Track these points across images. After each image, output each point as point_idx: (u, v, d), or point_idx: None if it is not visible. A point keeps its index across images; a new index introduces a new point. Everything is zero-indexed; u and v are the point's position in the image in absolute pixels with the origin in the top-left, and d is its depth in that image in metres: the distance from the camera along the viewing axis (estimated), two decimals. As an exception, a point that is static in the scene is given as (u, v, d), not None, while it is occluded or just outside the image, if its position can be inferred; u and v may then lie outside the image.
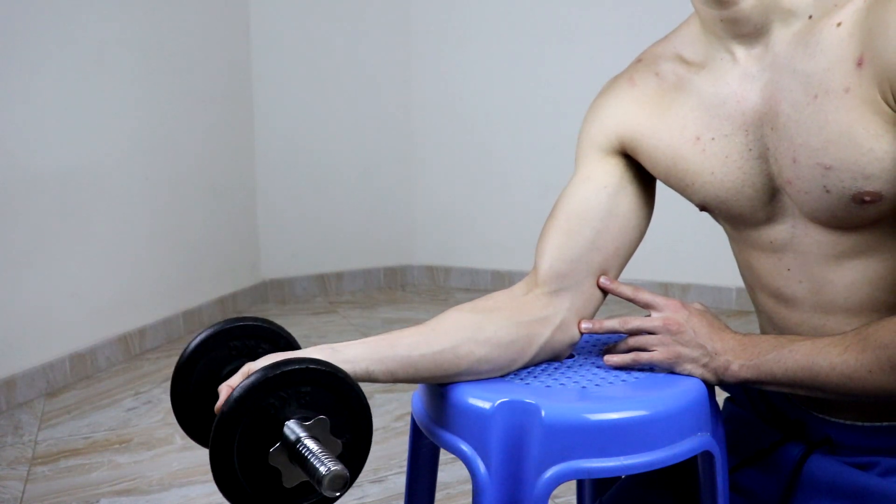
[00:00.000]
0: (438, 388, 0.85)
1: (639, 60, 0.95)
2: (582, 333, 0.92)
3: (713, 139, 0.86)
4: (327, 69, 3.68)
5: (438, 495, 1.70)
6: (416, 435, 0.94)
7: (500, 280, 3.76)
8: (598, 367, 0.91)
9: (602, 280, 0.91)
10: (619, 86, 0.94)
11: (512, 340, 0.86)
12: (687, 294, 3.42)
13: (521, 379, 0.86)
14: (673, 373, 0.87)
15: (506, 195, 3.77)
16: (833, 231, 0.83)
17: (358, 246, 3.86)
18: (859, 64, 0.76)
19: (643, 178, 0.94)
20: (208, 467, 0.68)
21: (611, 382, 0.86)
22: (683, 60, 0.90)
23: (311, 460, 0.65)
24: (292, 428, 0.67)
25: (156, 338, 2.94)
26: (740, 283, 0.99)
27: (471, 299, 0.93)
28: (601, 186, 0.92)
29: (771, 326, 0.94)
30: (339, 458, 0.67)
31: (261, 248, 3.63)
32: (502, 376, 0.87)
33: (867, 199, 0.78)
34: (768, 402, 0.97)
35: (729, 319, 3.08)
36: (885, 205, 0.78)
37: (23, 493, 1.82)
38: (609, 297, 0.93)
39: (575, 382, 0.86)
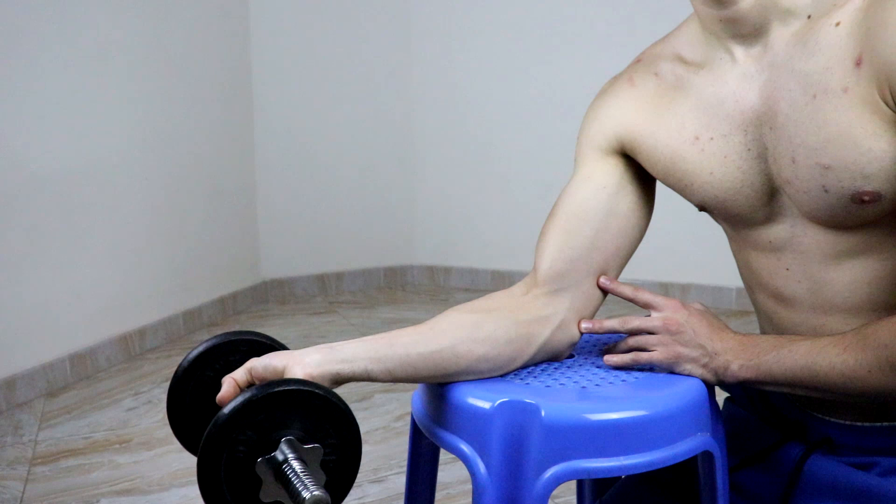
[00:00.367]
0: (438, 388, 0.85)
1: (638, 60, 0.95)
2: (582, 333, 0.92)
3: (712, 139, 0.86)
4: (327, 69, 3.68)
5: (438, 495, 1.70)
6: (416, 435, 0.94)
7: (500, 280, 3.76)
8: (598, 367, 0.91)
9: (602, 280, 0.91)
10: (618, 86, 0.94)
11: (511, 339, 0.86)
12: (687, 294, 3.43)
13: (521, 379, 0.86)
14: (673, 373, 0.87)
15: (506, 195, 3.77)
16: (832, 231, 0.83)
17: (358, 246, 3.86)
18: (858, 63, 0.76)
19: (643, 178, 0.94)
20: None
21: (611, 382, 0.86)
22: (682, 60, 0.90)
23: (295, 482, 0.66)
24: (288, 446, 0.68)
25: (156, 338, 2.94)
26: (740, 283, 0.99)
27: (471, 299, 0.93)
28: (601, 186, 0.92)
29: (770, 326, 0.94)
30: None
31: (261, 248, 3.63)
32: (502, 376, 0.87)
33: (866, 198, 0.78)
34: (768, 402, 0.97)
35: (729, 319, 3.08)
36: (884, 204, 0.78)
37: (23, 493, 1.82)
38: (609, 297, 0.93)
39: (575, 382, 0.86)
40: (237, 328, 3.22)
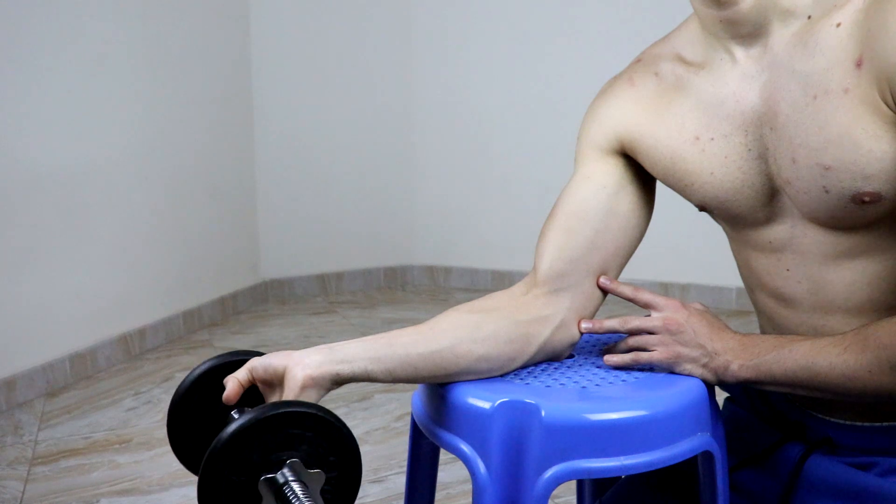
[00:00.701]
0: (438, 388, 0.85)
1: (638, 61, 0.95)
2: (582, 333, 0.92)
3: (712, 139, 0.86)
4: (327, 69, 3.68)
5: (438, 495, 1.70)
6: (416, 435, 0.94)
7: (500, 280, 3.76)
8: (598, 367, 0.91)
9: (602, 280, 0.91)
10: (618, 86, 0.94)
11: (511, 339, 0.86)
12: (687, 294, 3.43)
13: (521, 379, 0.86)
14: (673, 373, 0.87)
15: (506, 195, 3.77)
16: (832, 231, 0.83)
17: (358, 246, 3.86)
18: (858, 64, 0.76)
19: (643, 178, 0.94)
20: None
21: (611, 382, 0.86)
22: (683, 60, 0.90)
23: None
24: (291, 469, 0.68)
25: (156, 338, 2.94)
26: (740, 283, 0.99)
27: (471, 299, 0.93)
28: (601, 186, 0.92)
29: (771, 326, 0.94)
30: None
31: (261, 248, 3.63)
32: (502, 376, 0.87)
33: (866, 199, 0.78)
34: (768, 402, 0.97)
35: (729, 319, 3.08)
36: (885, 205, 0.78)
37: (23, 493, 1.82)
38: (609, 297, 0.93)
39: (575, 382, 0.86)
40: (237, 328, 3.22)
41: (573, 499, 1.67)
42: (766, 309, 0.93)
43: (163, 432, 2.13)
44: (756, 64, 0.83)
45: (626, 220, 0.92)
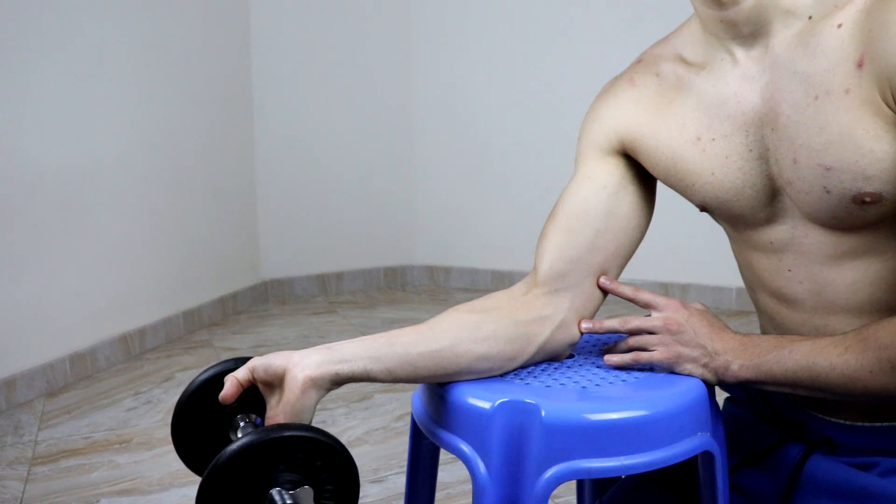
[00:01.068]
0: (438, 388, 0.85)
1: (639, 61, 0.95)
2: (582, 333, 0.91)
3: (713, 140, 0.86)
4: (327, 69, 3.68)
5: (438, 495, 1.70)
6: (416, 435, 0.94)
7: (500, 280, 3.76)
8: (598, 367, 0.91)
9: (602, 280, 0.91)
10: (619, 86, 0.94)
11: (511, 339, 0.86)
12: (687, 294, 3.42)
13: (521, 379, 0.86)
14: (673, 373, 0.87)
15: (506, 195, 3.77)
16: (833, 232, 0.83)
17: (358, 246, 3.86)
18: (860, 65, 0.76)
19: (643, 179, 0.94)
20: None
21: (611, 382, 0.86)
22: (684, 61, 0.90)
23: None
24: (276, 497, 0.68)
25: (156, 338, 2.94)
26: (740, 283, 0.99)
27: (471, 299, 0.93)
28: (601, 186, 0.92)
29: (772, 327, 0.94)
30: None
31: (261, 248, 3.64)
32: (501, 376, 0.87)
33: (867, 199, 0.78)
34: (768, 402, 0.97)
35: (729, 319, 3.08)
36: (886, 206, 0.78)
37: (23, 493, 1.82)
38: (609, 297, 0.93)
39: (575, 382, 0.85)
40: (237, 328, 3.22)
41: (573, 499, 1.67)
42: (768, 309, 0.93)
43: (163, 432, 2.13)
44: (757, 64, 0.83)
45: (626, 221, 0.92)
